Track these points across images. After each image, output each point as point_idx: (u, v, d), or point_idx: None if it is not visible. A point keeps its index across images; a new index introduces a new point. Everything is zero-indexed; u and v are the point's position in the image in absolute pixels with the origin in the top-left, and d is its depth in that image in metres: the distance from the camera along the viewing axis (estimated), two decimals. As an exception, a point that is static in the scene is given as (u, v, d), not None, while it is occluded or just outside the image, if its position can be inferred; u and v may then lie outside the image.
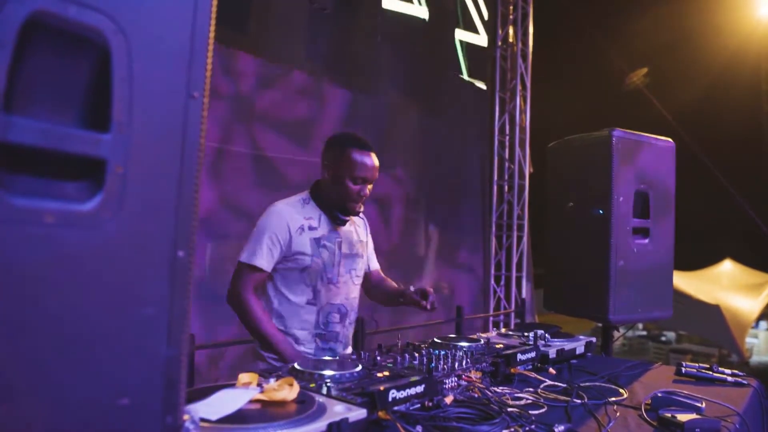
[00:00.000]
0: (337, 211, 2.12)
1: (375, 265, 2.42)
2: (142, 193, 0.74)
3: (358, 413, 1.21)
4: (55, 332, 0.66)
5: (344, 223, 2.17)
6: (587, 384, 1.85)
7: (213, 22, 0.80)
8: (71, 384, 0.67)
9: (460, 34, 6.71)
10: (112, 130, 0.70)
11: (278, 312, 2.10)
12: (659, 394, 1.68)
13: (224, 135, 4.20)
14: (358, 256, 2.23)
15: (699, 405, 1.64)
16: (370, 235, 2.39)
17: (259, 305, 2.05)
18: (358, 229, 2.28)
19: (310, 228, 2.10)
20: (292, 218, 2.07)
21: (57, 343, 0.66)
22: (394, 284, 2.38)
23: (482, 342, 2.12)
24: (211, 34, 0.80)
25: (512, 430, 1.33)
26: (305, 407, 1.19)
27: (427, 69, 6.22)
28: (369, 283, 2.39)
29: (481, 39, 6.97)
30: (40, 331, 0.65)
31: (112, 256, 0.71)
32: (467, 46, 6.77)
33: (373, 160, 2.10)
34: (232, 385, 1.29)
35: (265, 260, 2.03)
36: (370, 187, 2.12)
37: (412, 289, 2.16)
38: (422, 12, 6.09)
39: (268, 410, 1.19)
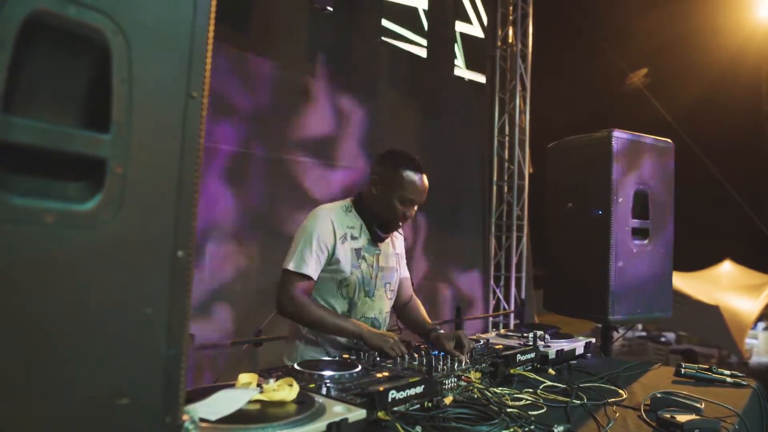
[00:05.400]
0: (377, 227, 2.09)
1: (405, 273, 2.34)
2: (141, 193, 0.74)
3: (358, 414, 1.21)
4: (54, 332, 0.66)
5: (383, 240, 2.15)
6: (587, 384, 1.86)
7: (212, 22, 0.80)
8: (71, 383, 0.67)
9: (460, 26, 6.70)
10: (111, 131, 0.70)
11: None
12: (658, 395, 1.68)
13: (223, 134, 4.20)
14: (393, 269, 2.21)
15: (698, 405, 1.64)
16: (404, 247, 2.34)
17: (314, 303, 2.00)
18: (395, 241, 2.26)
19: (352, 237, 2.07)
20: (337, 225, 2.04)
21: (57, 343, 0.66)
22: (424, 315, 2.29)
23: (482, 343, 2.12)
24: (211, 35, 0.80)
25: (512, 430, 1.33)
26: (305, 407, 1.19)
27: (426, 69, 6.22)
28: (399, 301, 2.31)
29: (477, 30, 6.94)
30: (39, 330, 0.65)
31: (111, 256, 0.71)
32: (466, 42, 6.76)
33: (425, 182, 2.06)
34: (232, 386, 1.29)
35: (313, 268, 1.98)
36: (415, 208, 2.09)
37: (441, 331, 2.07)
38: (421, 8, 6.10)
39: (267, 410, 1.19)
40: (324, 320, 1.97)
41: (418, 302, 2.35)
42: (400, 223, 2.11)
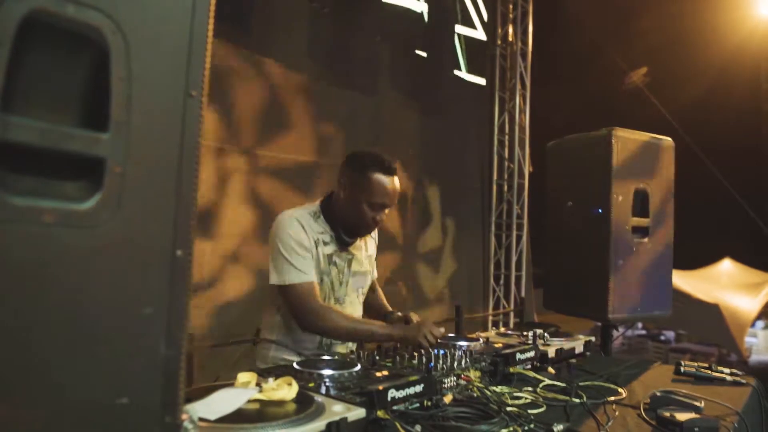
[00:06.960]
0: (344, 232, 2.02)
1: (375, 275, 2.33)
2: (140, 193, 0.73)
3: (357, 413, 1.21)
4: (53, 332, 0.66)
5: (351, 244, 2.08)
6: (586, 383, 1.86)
7: (211, 20, 0.80)
8: (70, 383, 0.67)
9: (460, 29, 6.71)
10: (110, 130, 0.70)
11: (286, 326, 2.03)
12: (658, 394, 1.68)
13: (222, 134, 4.20)
14: (366, 273, 2.17)
15: (698, 404, 1.64)
16: (376, 246, 2.29)
17: (336, 312, 1.93)
18: (368, 243, 2.21)
19: (324, 243, 2.01)
20: (309, 229, 1.97)
21: (56, 343, 0.66)
22: (382, 300, 2.29)
23: (481, 341, 2.12)
24: (210, 33, 0.80)
25: (511, 429, 1.33)
26: (304, 407, 1.19)
27: (426, 68, 6.22)
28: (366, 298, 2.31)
29: (479, 34, 6.96)
30: (38, 330, 0.64)
31: (110, 256, 0.71)
32: (466, 43, 6.77)
33: (395, 184, 1.96)
34: (231, 385, 1.29)
35: (310, 271, 1.92)
36: (386, 212, 2.00)
37: (399, 314, 2.09)
38: (422, 8, 6.09)
39: (266, 410, 1.19)
40: (356, 330, 1.91)
41: (379, 290, 2.32)
42: (371, 229, 2.03)
